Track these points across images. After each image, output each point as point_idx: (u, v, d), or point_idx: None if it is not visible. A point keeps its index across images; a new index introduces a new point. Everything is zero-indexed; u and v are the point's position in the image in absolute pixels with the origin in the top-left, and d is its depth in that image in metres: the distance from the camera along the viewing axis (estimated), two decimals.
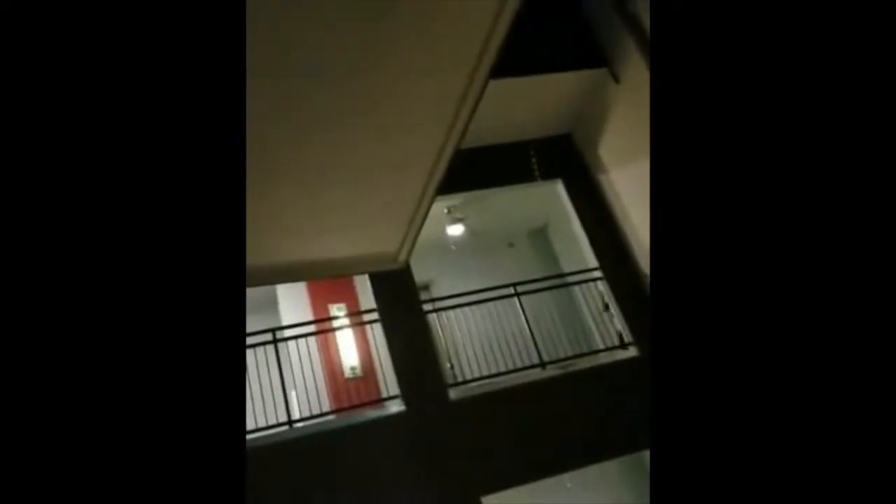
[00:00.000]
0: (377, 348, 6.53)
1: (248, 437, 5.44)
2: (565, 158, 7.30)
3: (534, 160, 6.69)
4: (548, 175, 7.27)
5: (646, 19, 5.26)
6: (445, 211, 7.45)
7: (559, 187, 7.28)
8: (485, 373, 6.46)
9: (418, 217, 2.36)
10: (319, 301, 7.66)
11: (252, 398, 5.76)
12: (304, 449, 5.37)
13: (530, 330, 6.55)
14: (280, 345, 6.09)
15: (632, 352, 6.34)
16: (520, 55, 5.72)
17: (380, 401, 6.31)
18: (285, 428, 5.64)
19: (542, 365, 6.38)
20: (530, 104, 6.80)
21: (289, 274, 2.91)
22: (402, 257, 2.64)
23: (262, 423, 5.62)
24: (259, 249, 2.35)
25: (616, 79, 6.47)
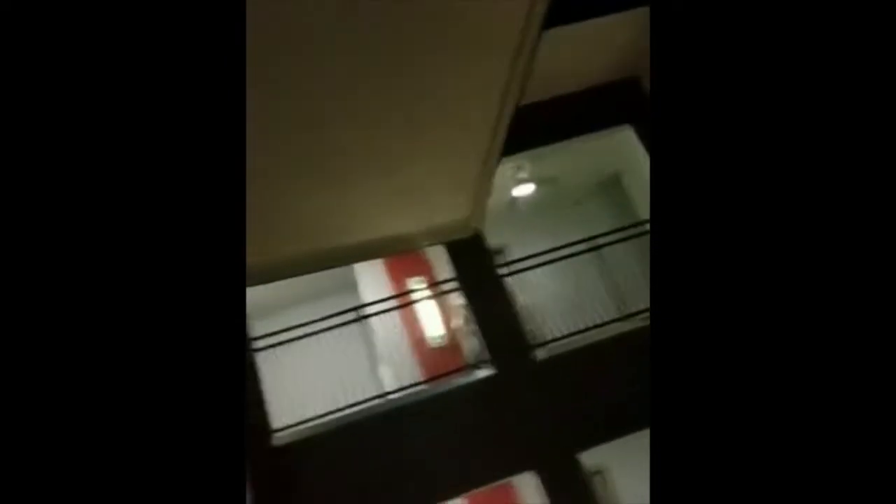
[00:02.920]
0: (460, 316, 6.58)
1: (343, 412, 5.64)
2: (634, 103, 6.98)
3: None
4: (616, 122, 6.98)
5: None
6: (512, 172, 7.31)
7: (630, 134, 6.98)
8: (570, 330, 6.39)
9: (486, 180, 2.30)
10: (398, 276, 7.79)
11: (342, 377, 5.99)
12: (398, 420, 5.51)
13: (613, 283, 6.39)
14: (365, 324, 6.25)
15: None
16: None
17: (468, 367, 6.38)
18: (380, 401, 5.81)
19: (628, 317, 6.23)
20: (594, 50, 6.49)
21: (365, 252, 2.94)
22: (473, 223, 2.60)
23: (359, 398, 5.81)
24: (329, 232, 2.37)
25: None
